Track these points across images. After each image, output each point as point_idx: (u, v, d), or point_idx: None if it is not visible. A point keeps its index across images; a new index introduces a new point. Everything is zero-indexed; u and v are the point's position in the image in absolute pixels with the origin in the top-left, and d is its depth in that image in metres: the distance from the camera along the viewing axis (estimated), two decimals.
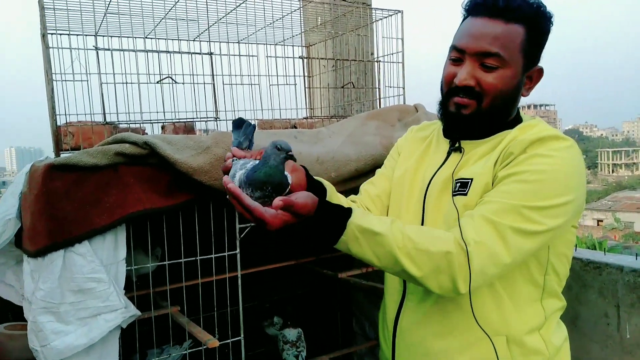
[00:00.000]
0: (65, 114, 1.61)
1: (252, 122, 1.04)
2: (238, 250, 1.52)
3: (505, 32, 0.97)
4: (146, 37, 1.80)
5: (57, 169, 1.22)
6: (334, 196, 1.09)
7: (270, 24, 1.95)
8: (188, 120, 1.79)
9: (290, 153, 0.85)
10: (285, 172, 0.92)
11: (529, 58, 1.01)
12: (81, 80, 1.60)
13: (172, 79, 1.72)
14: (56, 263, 1.21)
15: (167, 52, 1.74)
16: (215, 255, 1.52)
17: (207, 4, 1.74)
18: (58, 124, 1.57)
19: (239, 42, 1.97)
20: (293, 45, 2.18)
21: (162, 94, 1.71)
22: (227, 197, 0.85)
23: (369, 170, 1.57)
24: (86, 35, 1.65)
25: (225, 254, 1.52)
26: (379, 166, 1.32)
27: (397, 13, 2.04)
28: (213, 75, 1.84)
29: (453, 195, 1.02)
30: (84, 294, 1.23)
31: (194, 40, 1.93)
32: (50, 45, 1.56)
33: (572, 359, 1.11)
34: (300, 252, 2.02)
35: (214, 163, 1.33)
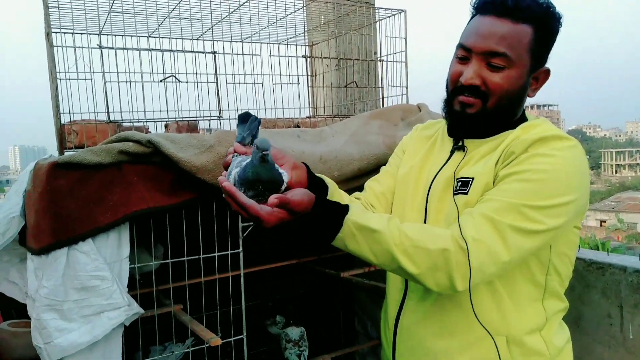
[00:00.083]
0: (69, 113, 1.61)
1: (258, 117, 1.03)
2: (241, 249, 1.52)
3: (513, 32, 0.97)
4: (150, 36, 1.81)
5: (61, 167, 1.22)
6: (336, 193, 1.09)
7: (274, 23, 1.95)
8: (191, 119, 1.79)
9: (265, 152, 0.84)
10: (280, 170, 0.91)
11: (536, 59, 1.00)
12: (85, 79, 1.60)
13: (176, 78, 1.73)
14: (60, 261, 1.21)
15: (171, 51, 1.75)
16: (218, 253, 1.52)
17: (210, 3, 1.74)
18: (62, 122, 1.57)
19: (242, 41, 1.98)
20: (296, 45, 2.18)
21: (165, 93, 1.71)
22: (223, 195, 0.85)
23: (371, 170, 1.57)
24: (90, 33, 1.65)
25: (228, 252, 1.53)
26: (382, 165, 1.32)
27: (400, 12, 2.04)
28: (216, 74, 1.84)
29: (454, 194, 1.02)
30: (87, 292, 1.23)
31: (197, 39, 1.93)
32: (54, 43, 1.56)
33: (575, 359, 1.11)
34: (303, 251, 2.02)
35: (217, 162, 1.33)
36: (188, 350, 1.58)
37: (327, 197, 1.04)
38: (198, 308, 1.59)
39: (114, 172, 1.28)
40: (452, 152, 1.10)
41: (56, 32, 1.59)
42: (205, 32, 1.90)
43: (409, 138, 1.26)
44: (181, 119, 1.76)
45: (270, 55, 1.91)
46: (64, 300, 1.22)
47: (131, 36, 1.73)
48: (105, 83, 1.63)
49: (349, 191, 1.20)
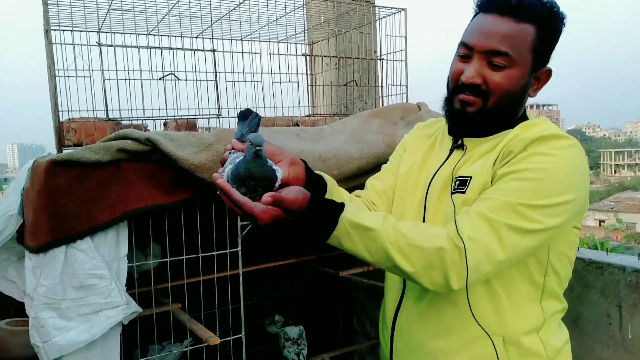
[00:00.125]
0: (68, 110, 1.60)
1: (258, 114, 1.02)
2: (240, 248, 1.52)
3: (515, 31, 0.96)
4: (149, 34, 1.81)
5: (60, 164, 1.22)
6: (335, 191, 1.08)
7: (273, 21, 1.94)
8: (190, 117, 1.79)
9: (258, 148, 0.83)
10: (275, 167, 0.90)
11: (538, 59, 0.99)
12: (84, 77, 1.60)
13: (175, 76, 1.72)
14: (58, 259, 1.21)
15: (170, 48, 1.74)
16: (217, 252, 1.52)
17: (210, 1, 1.74)
18: (61, 120, 1.57)
19: (241, 40, 1.97)
20: (296, 43, 2.17)
21: (164, 91, 1.70)
22: (217, 192, 0.85)
23: (371, 168, 1.57)
24: (89, 31, 1.65)
25: (227, 251, 1.52)
26: (382, 164, 1.32)
27: (400, 11, 2.04)
28: (216, 72, 1.83)
29: (452, 194, 1.01)
30: (85, 290, 1.23)
31: (196, 37, 1.92)
32: (53, 41, 1.55)
33: (574, 359, 1.10)
34: (302, 250, 2.02)
35: (216, 160, 1.33)
36: (186, 349, 1.57)
37: (326, 195, 1.04)
38: (197, 307, 1.58)
39: (112, 170, 1.27)
40: (451, 151, 1.09)
41: (55, 30, 1.58)
42: (205, 30, 1.89)
43: (410, 136, 1.26)
44: (180, 117, 1.75)
45: (269, 54, 1.90)
46: (62, 299, 1.22)
47: (130, 34, 1.72)
48: (104, 81, 1.62)
49: (349, 190, 1.20)
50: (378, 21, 2.09)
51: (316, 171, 1.06)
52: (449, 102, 1.06)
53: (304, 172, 1.01)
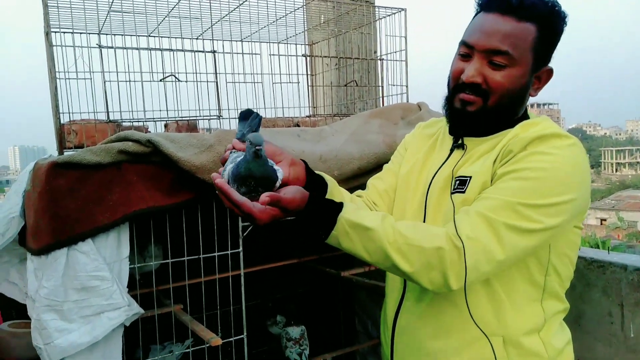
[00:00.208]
0: (69, 112, 1.61)
1: (259, 114, 1.02)
2: (241, 249, 1.52)
3: (516, 30, 0.96)
4: (149, 35, 1.81)
5: (61, 166, 1.22)
6: (336, 191, 1.08)
7: (273, 22, 1.94)
8: (191, 118, 1.79)
9: (258, 147, 0.83)
10: (275, 166, 0.91)
11: (539, 58, 0.99)
12: (84, 79, 1.60)
13: (176, 77, 1.72)
14: (60, 261, 1.21)
15: (171, 50, 1.74)
16: (219, 253, 1.52)
17: (210, 2, 1.74)
18: (61, 122, 1.57)
19: (242, 41, 1.97)
20: (296, 44, 2.17)
21: (165, 92, 1.71)
22: (216, 192, 0.85)
23: (371, 169, 1.57)
24: (89, 33, 1.65)
25: (228, 252, 1.52)
26: (382, 164, 1.32)
27: (400, 11, 2.04)
28: (216, 73, 1.83)
29: (452, 193, 1.01)
30: (87, 292, 1.23)
31: (196, 39, 1.92)
32: (54, 43, 1.56)
33: (576, 358, 1.10)
34: (303, 250, 2.02)
35: (217, 161, 1.33)
36: (188, 350, 1.57)
37: (327, 195, 1.04)
38: (198, 308, 1.58)
39: (113, 172, 1.28)
40: (451, 151, 1.09)
41: (55, 32, 1.58)
42: (205, 31, 1.90)
43: (411, 136, 1.26)
44: (181, 119, 1.76)
45: (270, 55, 1.91)
46: (64, 301, 1.22)
47: (131, 35, 1.73)
48: (104, 82, 1.63)
49: (350, 190, 1.20)
50: (378, 21, 2.09)
51: (317, 171, 1.07)
52: (449, 101, 1.05)
53: (304, 172, 1.01)
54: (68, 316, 1.22)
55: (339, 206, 0.91)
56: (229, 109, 1.84)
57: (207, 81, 1.82)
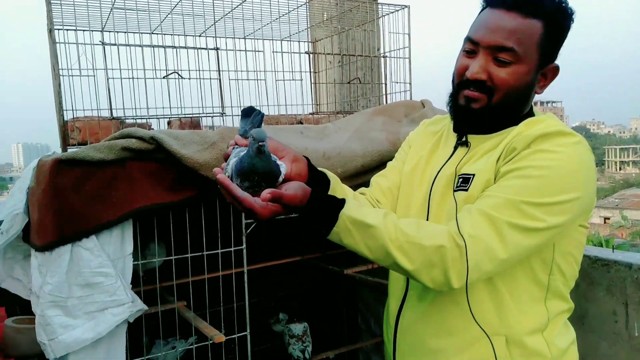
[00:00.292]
0: (72, 109, 1.61)
1: (262, 111, 1.02)
2: (244, 246, 1.52)
3: (522, 26, 0.94)
4: (152, 33, 1.81)
5: (65, 163, 1.22)
6: (338, 188, 1.08)
7: (276, 19, 1.94)
8: (194, 115, 1.79)
9: (261, 143, 0.83)
10: (279, 162, 0.90)
11: (545, 55, 0.98)
12: (88, 76, 1.60)
13: (179, 75, 1.72)
14: (64, 257, 1.21)
15: (174, 47, 1.74)
16: (222, 250, 1.52)
17: (213, 0, 1.74)
18: (65, 119, 1.57)
19: (245, 38, 1.97)
20: (299, 41, 2.17)
21: (168, 90, 1.71)
22: (218, 186, 0.85)
23: (375, 166, 1.56)
24: (93, 30, 1.65)
25: (232, 249, 1.53)
26: (386, 162, 1.31)
27: (403, 8, 2.03)
28: (219, 70, 1.83)
29: (454, 191, 1.00)
30: (91, 288, 1.23)
31: (199, 36, 1.92)
32: (57, 40, 1.56)
33: (580, 357, 1.09)
34: (306, 248, 2.02)
35: (220, 158, 1.33)
36: (192, 347, 1.58)
37: (329, 192, 1.03)
38: (202, 305, 1.59)
39: (117, 169, 1.28)
40: (455, 148, 1.08)
41: (59, 29, 1.59)
42: (208, 28, 1.89)
43: (415, 133, 1.25)
44: (184, 116, 1.76)
45: (273, 52, 1.90)
46: (68, 297, 1.22)
47: (134, 33, 1.73)
48: (108, 80, 1.63)
49: (354, 188, 1.19)
50: (381, 18, 2.08)
51: (320, 168, 1.06)
52: (453, 98, 1.04)
53: (307, 168, 1.00)
54: (72, 312, 1.22)
55: (340, 203, 0.91)
56: (232, 107, 1.85)
57: (210, 78, 1.83)
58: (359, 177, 1.57)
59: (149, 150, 1.31)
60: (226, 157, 0.96)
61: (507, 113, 1.01)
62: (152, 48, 1.70)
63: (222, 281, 1.56)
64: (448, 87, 1.07)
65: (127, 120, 1.68)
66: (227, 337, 1.48)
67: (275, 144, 0.97)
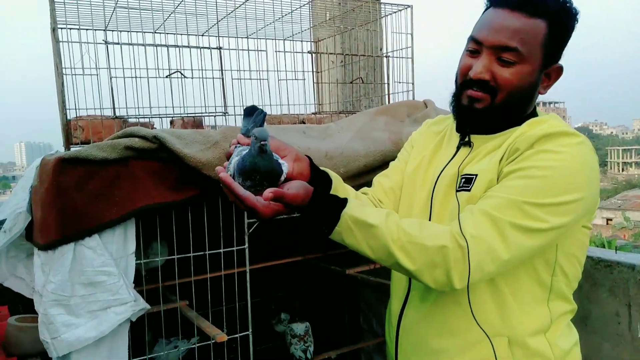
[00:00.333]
0: (75, 108, 1.61)
1: (264, 110, 1.02)
2: (246, 245, 1.52)
3: (526, 26, 0.94)
4: (155, 32, 1.81)
5: (68, 162, 1.22)
6: (340, 187, 1.08)
7: (279, 18, 1.94)
8: (197, 114, 1.79)
9: (263, 142, 0.83)
10: (280, 160, 0.90)
11: (549, 55, 0.97)
12: (91, 75, 1.60)
13: (181, 74, 1.73)
14: (67, 256, 1.21)
15: (176, 46, 1.75)
16: (224, 250, 1.52)
17: None
18: (68, 118, 1.57)
19: (247, 37, 1.97)
20: (302, 41, 2.17)
21: (171, 89, 1.71)
22: (221, 185, 0.85)
23: (377, 166, 1.56)
24: (96, 29, 1.65)
25: (234, 248, 1.53)
26: (388, 162, 1.31)
27: (406, 8, 2.03)
28: (222, 70, 1.83)
29: (457, 191, 1.00)
30: (94, 287, 1.24)
31: (202, 35, 1.93)
32: (60, 39, 1.56)
33: (583, 358, 1.09)
34: (308, 247, 2.02)
35: (222, 158, 1.33)
36: (194, 346, 1.58)
37: (331, 191, 1.03)
38: (204, 304, 1.59)
39: (120, 168, 1.28)
40: (458, 148, 1.08)
41: (62, 28, 1.59)
42: (211, 27, 1.90)
43: (418, 133, 1.25)
44: (187, 115, 1.76)
45: (275, 51, 1.90)
46: (71, 296, 1.22)
47: (137, 32, 1.73)
48: (110, 79, 1.63)
49: (355, 188, 1.19)
50: (384, 18, 2.08)
51: (322, 168, 1.06)
52: (456, 97, 1.04)
53: (309, 168, 1.00)
54: (75, 311, 1.22)
55: (342, 202, 0.90)
56: (234, 106, 1.85)
57: (213, 78, 1.83)
58: (361, 177, 1.57)
59: (152, 149, 1.31)
60: (228, 156, 0.96)
61: (511, 113, 1.01)
62: (155, 47, 1.70)
63: (225, 281, 1.56)
64: (451, 87, 1.06)
65: (129, 119, 1.68)
66: (229, 337, 1.48)
67: (277, 143, 0.97)
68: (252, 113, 1.02)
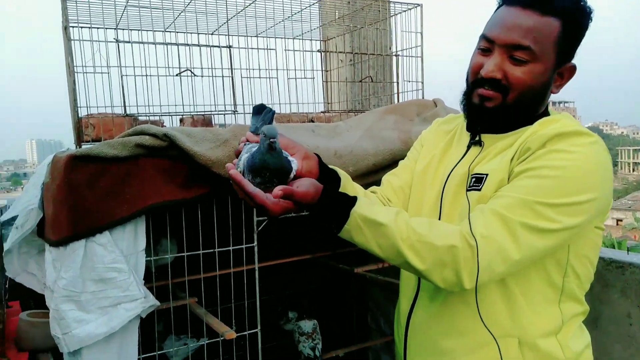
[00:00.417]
0: (87, 106, 1.63)
1: (273, 109, 1.02)
2: (255, 243, 1.52)
3: (539, 24, 0.93)
4: (166, 30, 1.82)
5: (79, 159, 1.23)
6: (349, 185, 1.07)
7: (289, 17, 1.94)
8: (206, 113, 1.80)
9: (272, 140, 0.83)
10: (290, 158, 0.91)
11: (562, 54, 0.96)
12: (102, 73, 1.62)
13: (191, 72, 1.73)
14: (78, 252, 1.23)
15: (186, 45, 1.75)
16: (233, 247, 1.53)
17: None
18: (79, 115, 1.59)
19: (257, 36, 1.98)
20: (311, 39, 2.17)
21: (180, 87, 1.72)
22: (231, 181, 0.85)
23: (386, 165, 1.56)
24: (107, 28, 1.67)
25: (243, 246, 1.53)
26: (397, 161, 1.31)
27: (416, 7, 2.02)
28: (231, 68, 1.84)
29: (467, 191, 0.99)
30: (104, 284, 1.25)
31: (212, 34, 1.93)
32: (72, 37, 1.57)
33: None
34: (317, 246, 2.02)
35: (232, 156, 1.33)
36: (203, 343, 1.59)
37: (340, 190, 1.03)
38: (213, 301, 1.59)
39: (130, 165, 1.29)
40: (468, 147, 1.07)
41: (74, 26, 1.60)
42: (221, 26, 1.90)
43: (428, 132, 1.24)
44: (196, 113, 1.77)
45: (285, 50, 1.90)
46: (82, 292, 1.24)
47: (147, 30, 1.74)
48: (121, 77, 1.64)
49: (364, 187, 1.19)
50: (394, 17, 2.07)
51: (330, 166, 1.06)
52: (467, 96, 1.03)
53: (317, 166, 1.00)
54: (86, 307, 1.24)
55: (352, 200, 0.90)
56: (244, 104, 1.85)
57: (223, 76, 1.83)
58: (370, 176, 1.56)
59: (162, 147, 1.31)
60: (237, 154, 0.96)
61: (522, 112, 0.99)
62: (165, 45, 1.71)
63: (234, 278, 1.57)
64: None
65: (140, 117, 1.69)
66: (238, 334, 1.48)
67: (286, 141, 0.97)
68: (261, 111, 1.02)
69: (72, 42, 1.57)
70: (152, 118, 1.71)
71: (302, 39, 2.11)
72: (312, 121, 1.92)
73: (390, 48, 2.21)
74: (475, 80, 1.00)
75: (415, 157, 1.22)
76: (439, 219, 1.06)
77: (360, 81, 2.20)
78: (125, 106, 1.65)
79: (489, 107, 0.99)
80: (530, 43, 0.93)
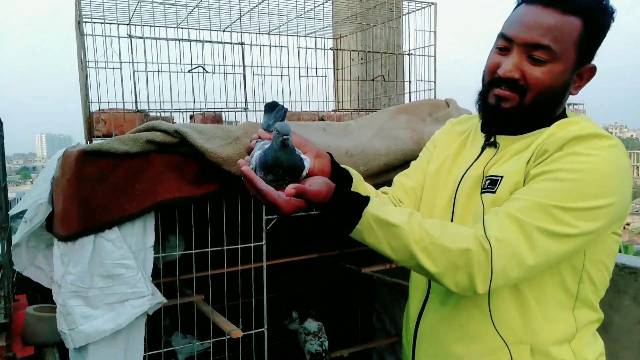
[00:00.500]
0: (98, 102, 1.63)
1: (285, 106, 1.01)
2: (264, 242, 1.51)
3: (560, 24, 0.90)
4: (178, 27, 1.81)
5: (90, 155, 1.23)
6: (361, 185, 1.06)
7: (300, 15, 1.93)
8: (217, 110, 1.79)
9: (285, 137, 0.82)
10: (302, 155, 0.89)
11: (582, 55, 0.94)
12: (114, 68, 1.61)
13: (203, 69, 1.73)
14: (86, 248, 1.22)
15: (198, 41, 1.75)
16: (242, 245, 1.52)
17: None
18: (91, 111, 1.59)
19: (269, 33, 1.97)
20: (323, 37, 2.16)
21: (192, 84, 1.71)
22: (242, 178, 0.84)
23: (398, 165, 1.54)
24: (120, 23, 1.66)
25: (252, 244, 1.52)
26: (409, 161, 1.29)
27: (430, 5, 2.00)
28: (243, 65, 1.83)
29: (481, 193, 0.97)
30: (112, 280, 1.24)
31: (224, 31, 1.93)
32: (85, 32, 1.57)
33: None
34: (325, 245, 2.01)
35: (243, 153, 1.32)
36: (209, 342, 1.58)
37: (351, 189, 1.02)
38: (220, 299, 1.59)
39: (141, 161, 1.28)
40: (483, 149, 1.05)
41: (87, 22, 1.60)
42: (233, 23, 1.89)
43: (441, 133, 1.22)
44: (207, 110, 1.76)
45: (297, 47, 1.89)
46: (90, 287, 1.23)
47: (160, 26, 1.74)
48: (133, 72, 1.64)
49: (375, 187, 1.17)
50: (406, 15, 2.06)
51: (342, 165, 1.05)
52: (483, 96, 1.01)
53: (330, 165, 0.98)
54: (93, 303, 1.23)
55: (364, 200, 0.88)
56: (255, 102, 1.85)
57: (234, 73, 1.82)
58: (381, 176, 1.55)
59: (173, 143, 1.31)
60: (249, 151, 0.95)
61: (540, 114, 0.97)
62: (177, 42, 1.71)
63: (241, 276, 1.56)
64: (478, 85, 1.03)
65: (151, 113, 1.69)
66: (245, 333, 1.48)
67: (298, 139, 0.96)
68: (273, 109, 1.01)
69: (85, 37, 1.57)
70: (162, 114, 1.71)
71: (314, 37, 2.10)
72: (323, 119, 1.91)
73: (402, 47, 2.19)
74: (491, 80, 0.98)
75: (428, 157, 1.20)
76: (451, 221, 1.04)
77: (372, 80, 2.18)
78: (136, 102, 1.65)
79: (506, 108, 0.96)
80: (550, 42, 0.90)
